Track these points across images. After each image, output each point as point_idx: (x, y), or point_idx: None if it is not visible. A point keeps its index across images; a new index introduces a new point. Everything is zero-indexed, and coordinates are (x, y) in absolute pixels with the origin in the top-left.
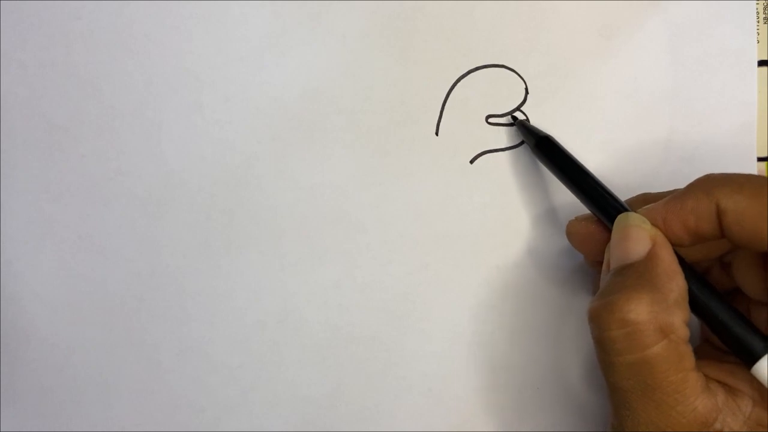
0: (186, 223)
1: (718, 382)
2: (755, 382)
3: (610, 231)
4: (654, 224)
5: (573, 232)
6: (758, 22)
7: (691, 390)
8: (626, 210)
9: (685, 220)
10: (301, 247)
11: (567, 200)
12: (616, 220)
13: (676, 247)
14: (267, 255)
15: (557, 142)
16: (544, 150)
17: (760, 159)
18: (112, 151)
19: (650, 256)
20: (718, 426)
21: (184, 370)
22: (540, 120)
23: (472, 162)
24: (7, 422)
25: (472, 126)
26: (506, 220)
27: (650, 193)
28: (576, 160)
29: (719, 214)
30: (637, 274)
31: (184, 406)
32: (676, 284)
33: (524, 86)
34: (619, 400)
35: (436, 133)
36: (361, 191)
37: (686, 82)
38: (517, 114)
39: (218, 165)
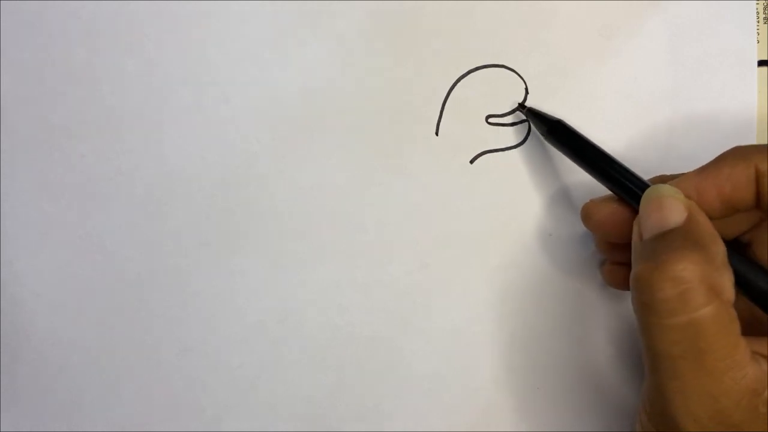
0: (186, 223)
1: (760, 354)
2: None
3: (632, 209)
4: (686, 194)
5: (591, 213)
6: (758, 22)
7: (742, 355)
8: (649, 185)
9: (720, 187)
10: (301, 247)
11: (568, 200)
12: (646, 193)
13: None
14: (267, 255)
15: (570, 125)
16: (558, 135)
17: None
18: (112, 151)
19: (690, 221)
20: (766, 395)
21: (184, 370)
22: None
23: (472, 162)
24: (7, 422)
25: (472, 126)
26: (506, 220)
27: (666, 175)
28: (592, 141)
29: (758, 179)
30: (681, 236)
31: (184, 406)
32: (720, 248)
33: (524, 86)
34: (666, 370)
35: (436, 133)
36: (361, 191)
37: (686, 82)
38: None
39: (218, 165)
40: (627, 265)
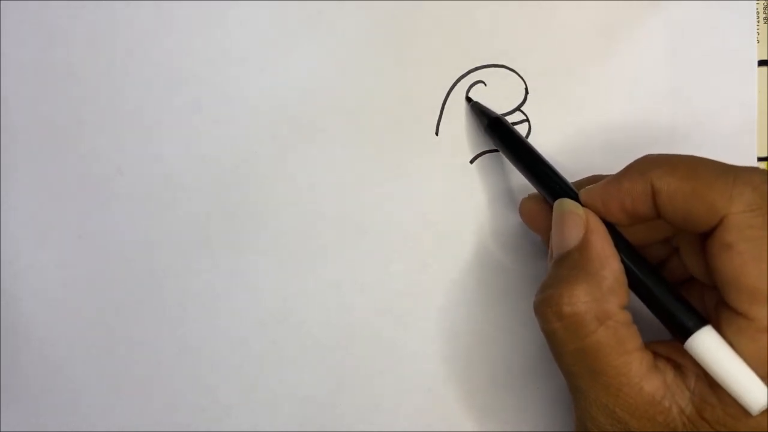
0: (186, 223)
1: (668, 359)
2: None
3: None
4: (593, 205)
5: (524, 210)
6: (758, 22)
7: (635, 372)
8: (571, 190)
9: (621, 201)
10: (301, 247)
11: None
12: (554, 206)
13: (617, 226)
14: (267, 255)
15: (508, 123)
16: (496, 131)
17: (760, 159)
18: (112, 151)
19: (583, 244)
20: (666, 404)
21: (184, 370)
22: (540, 120)
23: (472, 162)
24: (7, 422)
25: (472, 126)
26: (506, 220)
27: (600, 175)
28: (525, 141)
29: (654, 195)
30: (571, 265)
31: (184, 406)
32: (610, 270)
33: (524, 86)
34: (571, 384)
35: (436, 133)
36: (361, 191)
37: (686, 82)
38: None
39: (218, 165)
40: None
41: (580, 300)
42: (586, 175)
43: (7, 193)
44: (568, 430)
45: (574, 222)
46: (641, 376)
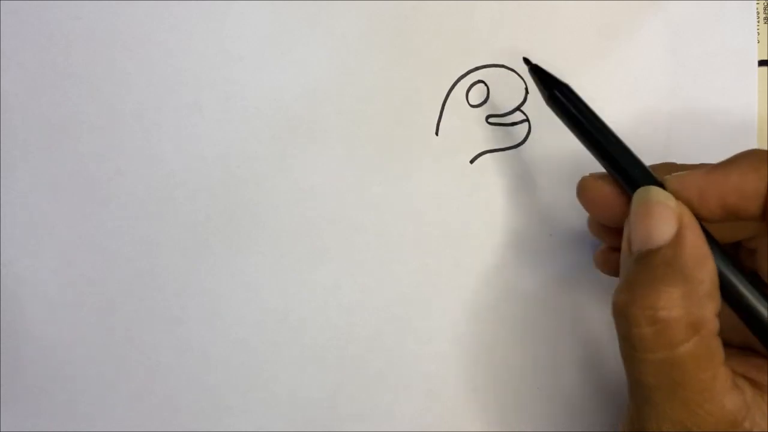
0: (186, 223)
1: (744, 377)
2: None
3: (628, 195)
4: (686, 195)
5: (586, 188)
6: (758, 22)
7: (720, 387)
8: (653, 179)
9: (725, 195)
10: (301, 247)
11: (568, 200)
12: (637, 193)
13: (703, 222)
14: (267, 255)
15: (576, 92)
16: (560, 101)
17: None
18: (111, 151)
19: (678, 241)
20: (747, 425)
21: (184, 370)
22: (540, 120)
23: (472, 162)
24: (7, 422)
25: (472, 126)
26: (506, 220)
27: (675, 164)
28: (597, 114)
29: None
30: (665, 263)
31: (184, 406)
32: (707, 272)
33: (524, 86)
34: (643, 396)
35: (436, 133)
36: (361, 191)
37: (686, 82)
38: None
39: (218, 165)
40: (620, 250)
41: (677, 304)
42: (586, 175)
43: (7, 193)
44: (568, 429)
45: (666, 215)
46: (725, 392)
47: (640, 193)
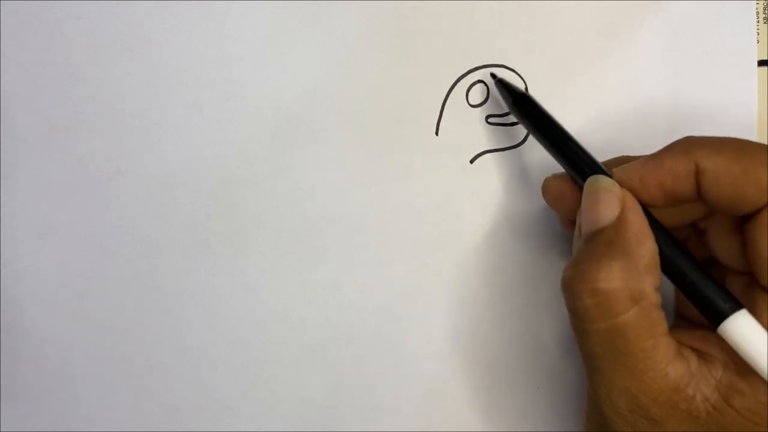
0: (186, 223)
1: (692, 348)
2: (725, 346)
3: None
4: (630, 184)
5: (548, 188)
6: (758, 22)
7: (662, 356)
8: (601, 170)
9: (662, 179)
10: (301, 247)
11: None
12: (586, 183)
13: (649, 208)
14: (267, 255)
15: (534, 99)
16: (522, 107)
17: None
18: (112, 151)
19: (620, 221)
20: (690, 391)
21: (184, 370)
22: None
23: (472, 162)
24: (7, 422)
25: (472, 126)
26: (506, 220)
27: (629, 156)
28: (553, 118)
29: (698, 175)
30: (606, 241)
31: (184, 406)
32: (647, 249)
33: (524, 86)
34: (592, 366)
35: (436, 133)
36: (361, 191)
37: (686, 82)
38: (495, 72)
39: (218, 165)
40: None
41: (616, 276)
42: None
43: (7, 193)
44: (568, 429)
45: (610, 199)
46: (668, 361)
47: (589, 182)
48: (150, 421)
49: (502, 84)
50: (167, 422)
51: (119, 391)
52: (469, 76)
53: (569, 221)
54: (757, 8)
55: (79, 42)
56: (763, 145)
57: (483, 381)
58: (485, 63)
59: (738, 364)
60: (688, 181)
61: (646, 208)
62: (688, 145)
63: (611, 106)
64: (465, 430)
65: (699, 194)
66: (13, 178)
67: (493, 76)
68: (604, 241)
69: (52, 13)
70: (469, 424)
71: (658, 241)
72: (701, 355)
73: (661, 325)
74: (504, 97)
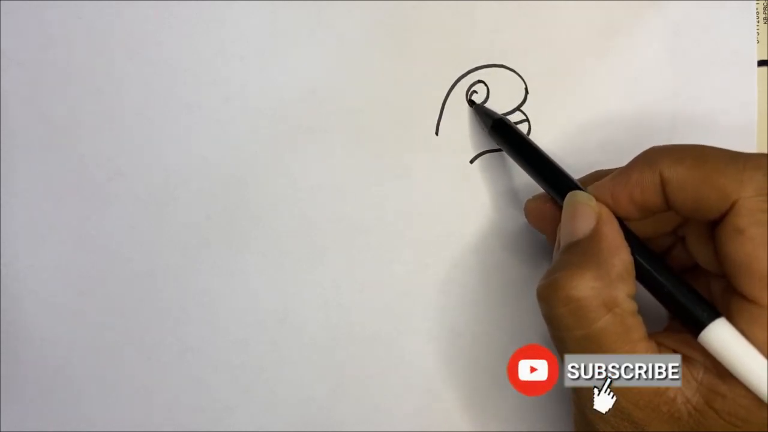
0: (186, 223)
1: (674, 351)
2: (706, 350)
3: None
4: (603, 199)
5: (529, 210)
6: (758, 22)
7: None
8: (578, 187)
9: (631, 193)
10: (301, 247)
11: None
12: (565, 199)
13: (626, 221)
14: (267, 255)
15: (511, 123)
16: (500, 132)
17: None
18: (112, 151)
19: (594, 233)
20: (671, 394)
21: (184, 370)
22: (540, 120)
23: (472, 162)
24: (7, 422)
25: (472, 126)
26: (506, 220)
27: (603, 170)
28: (530, 140)
29: (663, 185)
30: (581, 251)
31: (184, 406)
32: (620, 259)
33: (524, 86)
34: None
35: (436, 133)
36: (361, 191)
37: (686, 82)
38: (482, 104)
39: (218, 165)
40: None
41: (588, 285)
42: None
43: (6, 193)
44: (568, 429)
45: (586, 213)
46: None
47: (568, 197)
48: (150, 421)
49: (480, 110)
50: (167, 422)
51: (119, 391)
52: (469, 76)
53: (556, 241)
54: (757, 8)
55: (79, 42)
56: (725, 150)
57: (483, 381)
58: (485, 63)
59: (719, 367)
60: (656, 192)
61: (623, 222)
62: (651, 156)
63: (611, 106)
64: (464, 430)
65: (668, 204)
66: (13, 178)
67: (470, 103)
68: (578, 252)
69: (52, 13)
70: (469, 424)
71: (634, 253)
72: (683, 358)
73: (638, 330)
74: (483, 123)
